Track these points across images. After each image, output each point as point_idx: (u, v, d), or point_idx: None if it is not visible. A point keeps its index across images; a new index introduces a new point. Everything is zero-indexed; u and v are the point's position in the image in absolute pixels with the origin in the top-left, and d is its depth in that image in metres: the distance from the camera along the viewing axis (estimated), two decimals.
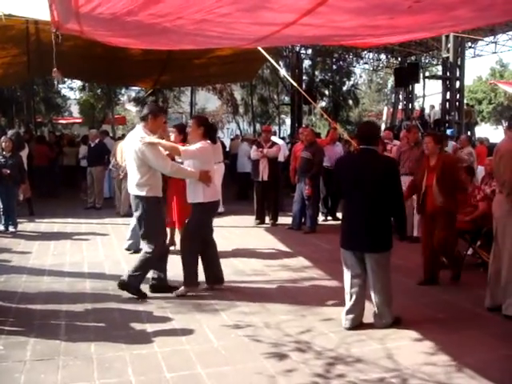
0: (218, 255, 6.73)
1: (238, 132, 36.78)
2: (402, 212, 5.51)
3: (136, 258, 6.45)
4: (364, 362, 4.60)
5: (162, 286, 6.51)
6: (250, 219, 11.68)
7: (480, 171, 9.65)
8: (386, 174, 5.27)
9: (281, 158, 13.17)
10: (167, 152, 6.33)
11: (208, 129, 6.49)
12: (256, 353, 4.81)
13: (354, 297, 5.39)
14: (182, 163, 6.56)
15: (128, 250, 8.52)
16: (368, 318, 5.49)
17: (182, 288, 6.44)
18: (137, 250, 8.14)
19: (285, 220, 11.54)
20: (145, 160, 6.05)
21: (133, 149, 6.11)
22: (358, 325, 5.38)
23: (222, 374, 4.40)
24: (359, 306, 5.42)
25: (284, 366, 4.54)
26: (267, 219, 11.66)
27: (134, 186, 6.19)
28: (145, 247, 6.34)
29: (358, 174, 5.29)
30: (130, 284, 6.26)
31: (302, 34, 5.27)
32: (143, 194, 6.13)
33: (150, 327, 5.41)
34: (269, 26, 4.72)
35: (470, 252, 8.02)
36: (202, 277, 6.62)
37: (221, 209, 12.13)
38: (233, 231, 10.71)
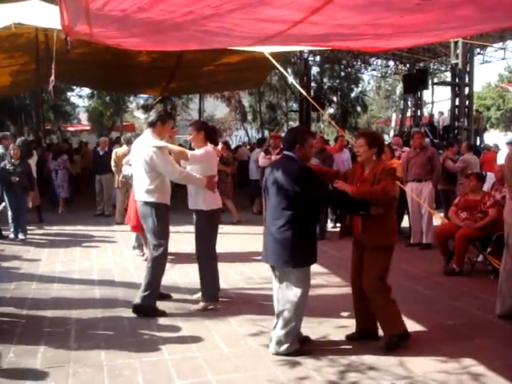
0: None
1: (247, 139, 36.87)
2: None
3: (144, 276, 6.20)
4: (376, 370, 4.57)
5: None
6: (260, 227, 11.62)
7: (489, 178, 9.60)
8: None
9: None
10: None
11: (208, 132, 6.46)
12: (267, 360, 4.79)
13: None
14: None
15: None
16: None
17: (202, 303, 6.27)
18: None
19: None
20: (153, 165, 6.02)
21: (141, 154, 6.07)
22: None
23: (232, 382, 4.38)
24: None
25: (295, 374, 4.51)
26: None
27: (144, 192, 6.10)
28: (152, 255, 6.15)
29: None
30: (145, 305, 6.02)
31: (310, 33, 5.26)
32: (153, 200, 6.06)
33: (159, 334, 5.40)
34: (276, 23, 4.72)
35: (480, 259, 7.98)
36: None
37: (233, 219, 12.19)
38: (242, 238, 10.69)
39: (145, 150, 6.01)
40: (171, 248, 8.66)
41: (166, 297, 6.47)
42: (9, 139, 11.87)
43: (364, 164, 5.13)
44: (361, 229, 5.08)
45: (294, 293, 4.86)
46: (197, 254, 6.40)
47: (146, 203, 6.10)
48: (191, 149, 6.52)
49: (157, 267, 6.12)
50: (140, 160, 6.09)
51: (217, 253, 6.43)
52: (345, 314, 5.97)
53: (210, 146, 6.40)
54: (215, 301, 6.31)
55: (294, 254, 4.80)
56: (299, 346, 4.94)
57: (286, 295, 4.91)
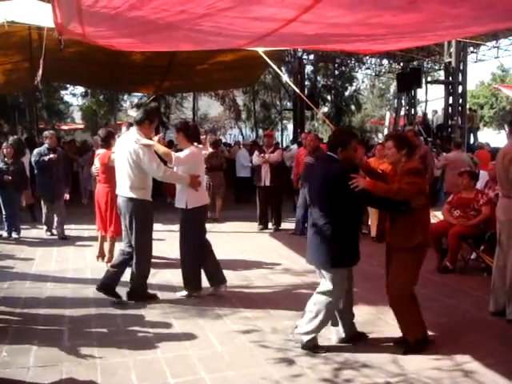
0: (214, 257, 6.69)
1: (241, 137, 36.85)
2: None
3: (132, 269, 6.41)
4: (370, 367, 4.59)
5: (110, 288, 6.35)
6: (253, 224, 11.66)
7: (482, 176, 9.62)
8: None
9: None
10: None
11: (186, 132, 6.54)
12: (260, 358, 4.79)
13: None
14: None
15: None
16: (373, 323, 5.48)
17: (184, 292, 6.54)
18: None
19: (288, 225, 11.53)
20: (138, 162, 6.07)
21: (127, 150, 6.11)
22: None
23: (225, 380, 4.38)
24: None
25: (289, 371, 4.52)
26: (270, 224, 11.66)
27: (128, 188, 6.16)
28: (133, 251, 6.30)
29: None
30: (136, 292, 6.35)
31: (303, 33, 5.26)
32: (136, 196, 6.14)
33: (153, 333, 5.40)
34: (269, 22, 4.72)
35: (473, 256, 8.00)
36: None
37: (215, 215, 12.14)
38: (236, 236, 10.70)
39: (131, 146, 6.05)
40: (165, 249, 8.69)
41: (153, 297, 6.47)
42: None
43: (395, 166, 5.07)
44: (388, 228, 5.08)
45: (330, 293, 4.85)
46: (180, 251, 6.56)
47: (130, 199, 6.16)
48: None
49: (140, 262, 6.30)
50: (125, 156, 6.12)
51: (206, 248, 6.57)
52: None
53: (194, 146, 6.48)
54: (196, 289, 6.54)
55: (333, 254, 4.79)
56: (318, 344, 4.99)
57: (319, 294, 4.95)
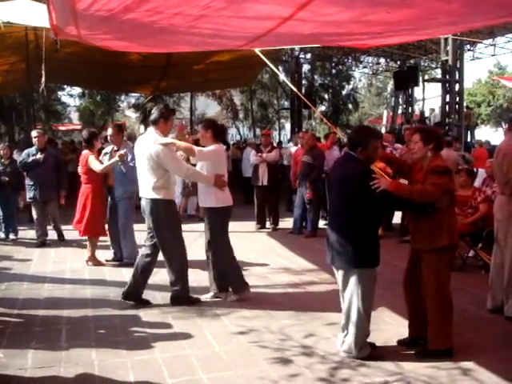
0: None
1: (239, 137, 36.85)
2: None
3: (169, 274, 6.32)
4: (367, 366, 4.58)
5: (137, 296, 6.31)
6: (251, 224, 11.66)
7: (480, 174, 9.62)
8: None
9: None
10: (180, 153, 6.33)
11: (216, 130, 6.47)
12: (258, 358, 4.79)
13: None
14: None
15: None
16: (372, 322, 5.47)
17: (233, 295, 6.47)
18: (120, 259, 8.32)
19: (285, 224, 11.53)
20: (160, 163, 6.03)
21: (147, 152, 6.06)
22: None
23: (223, 379, 4.38)
24: None
25: (287, 371, 4.52)
26: (268, 224, 11.66)
27: (150, 189, 6.09)
28: (168, 255, 6.24)
29: None
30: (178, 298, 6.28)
31: (300, 32, 5.26)
32: (160, 197, 6.08)
33: (150, 333, 5.39)
34: (265, 20, 4.72)
35: (471, 254, 8.01)
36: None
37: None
38: (234, 236, 10.62)
39: (151, 147, 6.02)
40: None
41: (195, 301, 6.38)
42: None
43: (421, 161, 4.90)
44: (412, 229, 4.97)
45: (357, 295, 4.69)
46: (210, 250, 6.50)
47: (153, 200, 6.11)
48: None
49: (175, 263, 6.26)
50: (145, 157, 6.10)
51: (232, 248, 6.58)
52: (336, 310, 5.95)
53: (219, 145, 6.43)
54: (246, 290, 6.49)
55: (355, 254, 4.64)
56: (371, 350, 4.79)
57: (349, 298, 4.75)
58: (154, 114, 6.28)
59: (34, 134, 10.07)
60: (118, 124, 8.95)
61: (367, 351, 4.76)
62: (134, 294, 6.24)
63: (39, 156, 9.65)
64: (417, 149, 4.87)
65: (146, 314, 5.93)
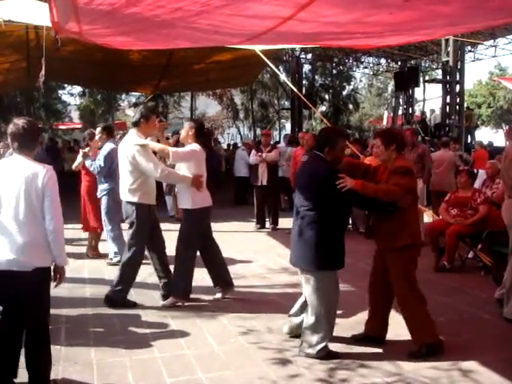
0: (221, 259, 6.60)
1: (239, 137, 36.87)
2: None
3: (117, 272, 6.31)
4: (367, 367, 4.58)
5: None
6: (251, 224, 11.66)
7: (480, 175, 9.62)
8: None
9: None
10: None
11: (199, 132, 6.34)
12: (257, 358, 4.79)
13: None
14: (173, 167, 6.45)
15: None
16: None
17: (170, 299, 6.26)
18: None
19: (285, 224, 11.51)
20: (135, 164, 6.01)
21: (125, 154, 6.09)
22: None
23: (222, 379, 4.38)
24: None
25: (286, 371, 4.51)
26: (267, 224, 11.65)
27: (126, 191, 6.14)
28: (127, 255, 6.22)
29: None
30: (115, 299, 6.17)
31: (300, 31, 5.25)
32: (135, 200, 6.09)
33: (149, 332, 5.39)
34: (266, 20, 4.71)
35: (470, 255, 8.01)
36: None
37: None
38: (233, 236, 10.69)
39: (128, 149, 6.02)
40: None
41: (132, 305, 6.28)
42: None
43: (386, 163, 4.95)
44: (375, 229, 5.02)
45: (316, 298, 4.75)
46: (176, 251, 6.36)
47: (129, 203, 6.15)
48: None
49: (127, 266, 6.21)
50: (124, 159, 6.12)
51: (196, 255, 6.40)
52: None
53: (198, 144, 6.31)
54: (181, 297, 6.27)
55: (317, 255, 4.69)
56: (328, 351, 4.81)
57: (310, 300, 4.82)
58: (136, 115, 6.26)
59: None
60: (104, 125, 8.96)
61: (324, 352, 4.76)
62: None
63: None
64: (380, 152, 4.95)
65: (145, 314, 5.92)
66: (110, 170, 7.83)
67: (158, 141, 6.40)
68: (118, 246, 8.09)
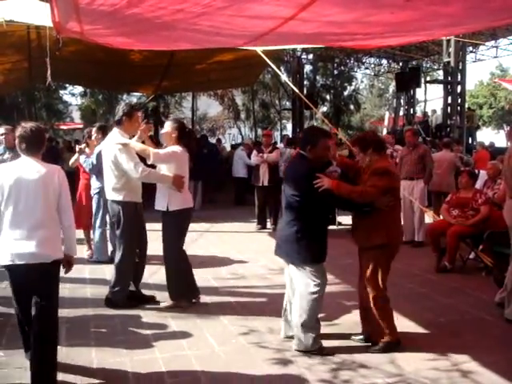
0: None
1: (240, 137, 36.84)
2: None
3: (112, 273, 6.28)
4: (368, 368, 4.58)
5: (135, 296, 6.32)
6: (252, 224, 11.66)
7: (481, 175, 9.61)
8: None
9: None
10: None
11: (181, 134, 6.19)
12: (258, 358, 4.78)
13: None
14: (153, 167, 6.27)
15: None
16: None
17: (170, 302, 6.22)
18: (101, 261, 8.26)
19: None
20: (117, 163, 5.97)
21: (107, 152, 6.08)
22: None
23: (223, 380, 4.38)
24: None
25: (287, 372, 4.51)
26: (268, 224, 11.65)
27: (111, 190, 6.13)
28: (118, 254, 6.20)
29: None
30: (115, 300, 6.16)
31: (301, 32, 5.26)
32: (120, 198, 6.07)
33: (150, 333, 5.39)
34: (267, 20, 4.72)
35: (471, 256, 8.00)
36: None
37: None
38: (234, 236, 10.68)
39: (110, 149, 6.01)
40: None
41: (150, 299, 6.35)
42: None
43: (369, 165, 4.99)
44: (353, 227, 5.11)
45: (302, 290, 4.87)
46: (164, 255, 6.27)
47: (113, 201, 6.14)
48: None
49: (121, 265, 6.18)
50: (107, 159, 6.11)
51: (186, 254, 6.32)
52: (336, 311, 5.96)
53: (179, 146, 6.15)
54: (182, 299, 6.21)
55: (300, 250, 4.83)
56: (321, 345, 4.92)
57: (295, 293, 4.97)
58: (118, 113, 6.17)
59: (1, 131, 8.68)
60: (100, 125, 8.91)
61: (317, 345, 4.89)
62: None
63: (7, 156, 8.31)
64: (360, 158, 5.07)
65: (145, 314, 5.92)
66: (102, 169, 7.80)
67: (144, 142, 6.29)
68: (101, 245, 8.24)
